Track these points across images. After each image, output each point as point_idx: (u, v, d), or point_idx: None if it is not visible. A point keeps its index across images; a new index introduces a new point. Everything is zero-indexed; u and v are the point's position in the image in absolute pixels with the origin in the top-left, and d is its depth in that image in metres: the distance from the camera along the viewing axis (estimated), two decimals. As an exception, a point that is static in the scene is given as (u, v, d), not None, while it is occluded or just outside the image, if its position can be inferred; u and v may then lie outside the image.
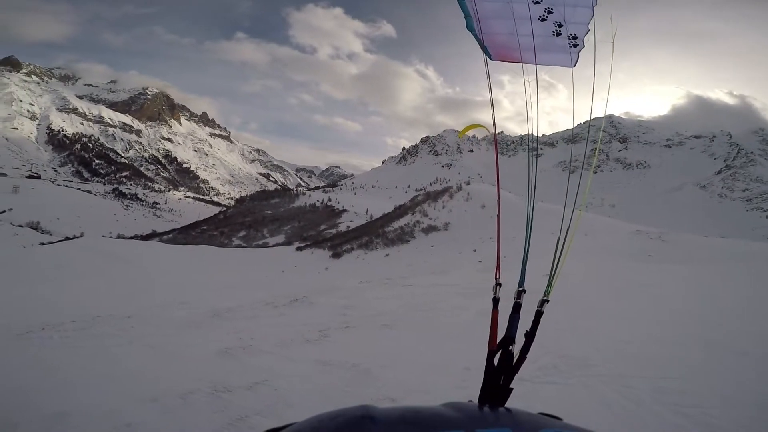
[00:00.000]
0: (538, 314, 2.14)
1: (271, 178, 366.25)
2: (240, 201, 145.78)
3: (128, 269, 22.95)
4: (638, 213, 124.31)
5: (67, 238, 42.05)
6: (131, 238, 67.11)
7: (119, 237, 66.81)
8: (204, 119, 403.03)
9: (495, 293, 2.10)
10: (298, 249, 56.73)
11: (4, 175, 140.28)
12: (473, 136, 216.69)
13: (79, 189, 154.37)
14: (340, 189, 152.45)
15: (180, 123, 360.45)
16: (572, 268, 16.10)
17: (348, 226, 78.45)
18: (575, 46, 3.19)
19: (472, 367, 5.00)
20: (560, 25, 3.06)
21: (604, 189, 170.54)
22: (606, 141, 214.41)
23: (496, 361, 1.71)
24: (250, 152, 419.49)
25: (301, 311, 9.17)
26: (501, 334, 1.95)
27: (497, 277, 2.24)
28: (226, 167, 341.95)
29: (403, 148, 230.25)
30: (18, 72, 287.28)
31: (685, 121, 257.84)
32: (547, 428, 0.67)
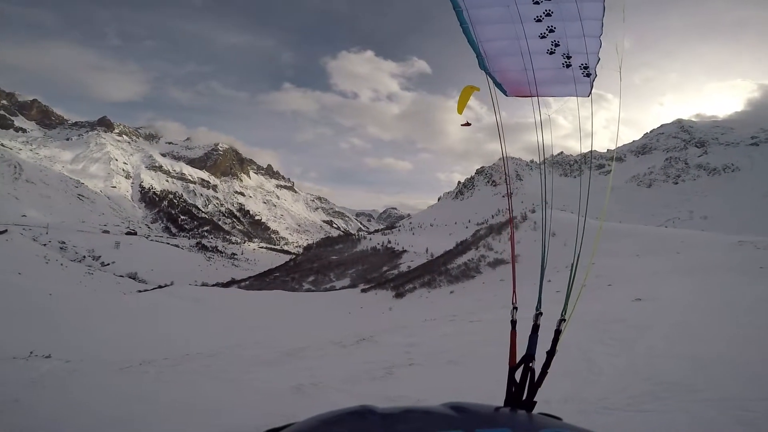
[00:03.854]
0: (557, 333, 2.08)
1: (333, 225, 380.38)
2: (307, 248, 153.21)
3: (211, 313, 24.83)
4: (736, 222, 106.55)
5: (160, 287, 47.06)
6: (213, 285, 73.80)
7: (203, 284, 73.78)
8: (270, 171, 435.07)
9: (513, 316, 2.10)
10: (363, 291, 57.37)
11: (108, 232, 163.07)
12: (531, 161, 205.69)
13: (168, 244, 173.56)
14: (398, 230, 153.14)
15: (249, 176, 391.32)
16: (663, 291, 14.27)
17: (409, 266, 78.12)
18: (588, 75, 3.17)
19: (551, 399, 4.73)
20: (569, 57, 3.07)
21: (690, 201, 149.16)
22: (680, 148, 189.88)
23: (518, 377, 1.71)
24: (313, 200, 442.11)
25: (367, 350, 9.22)
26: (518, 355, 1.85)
27: (514, 301, 2.30)
28: (292, 217, 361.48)
29: (459, 182, 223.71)
30: (111, 132, 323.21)
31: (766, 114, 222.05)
32: (546, 428, 0.67)
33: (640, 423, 3.72)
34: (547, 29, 3.00)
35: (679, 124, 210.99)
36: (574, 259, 2.28)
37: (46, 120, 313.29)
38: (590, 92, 3.34)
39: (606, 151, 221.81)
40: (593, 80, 3.25)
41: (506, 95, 3.45)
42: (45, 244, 78.79)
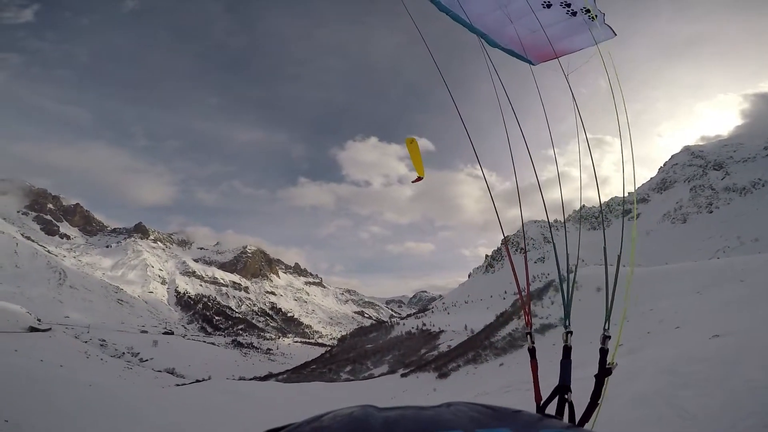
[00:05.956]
0: (602, 352, 1.75)
1: (365, 315, 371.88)
2: (341, 339, 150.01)
3: (249, 404, 23.66)
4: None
5: (198, 381, 46.02)
6: (251, 379, 73.25)
7: (240, 378, 73.00)
8: (297, 270, 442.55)
9: (530, 342, 1.77)
10: (403, 375, 53.96)
11: (146, 332, 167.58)
12: (556, 220, 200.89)
13: (204, 342, 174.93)
14: (432, 312, 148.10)
15: (278, 276, 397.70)
16: (740, 323, 12.91)
17: (449, 346, 73.94)
18: (594, 18, 3.01)
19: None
20: (568, 4, 2.99)
21: (732, 226, 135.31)
22: (700, 175, 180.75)
23: (553, 412, 1.45)
24: (342, 294, 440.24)
25: None
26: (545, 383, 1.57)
27: (529, 324, 1.89)
28: (324, 311, 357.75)
29: (486, 256, 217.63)
30: (147, 239, 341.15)
31: (766, 123, 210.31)
32: (547, 428, 0.66)
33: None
34: None
35: (689, 151, 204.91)
36: (607, 268, 1.97)
37: (88, 226, 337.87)
38: (613, 32, 3.24)
39: (627, 194, 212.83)
40: (604, 19, 3.14)
41: (533, 64, 3.36)
42: (86, 341, 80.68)
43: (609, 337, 1.84)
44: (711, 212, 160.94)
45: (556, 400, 1.64)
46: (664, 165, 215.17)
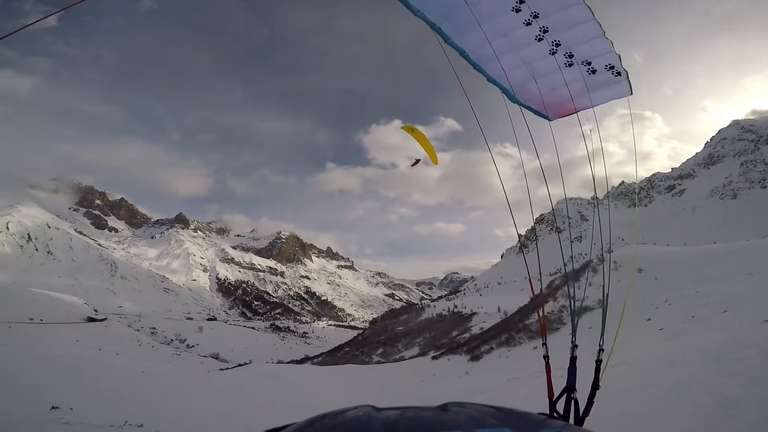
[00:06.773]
0: (597, 363, 2.11)
1: (395, 297, 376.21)
2: (373, 322, 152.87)
3: (288, 388, 24.68)
4: None
5: (240, 365, 48.76)
6: (288, 362, 77.59)
7: (279, 362, 76.83)
8: (329, 253, 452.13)
9: (545, 351, 2.25)
10: (434, 358, 54.19)
11: (191, 318, 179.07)
12: (593, 198, 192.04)
13: (245, 327, 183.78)
14: (464, 294, 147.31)
15: (312, 260, 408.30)
16: None
17: (482, 328, 73.50)
18: (619, 74, 3.04)
19: None
20: (588, 63, 3.00)
21: None
22: (751, 150, 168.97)
23: (561, 409, 1.85)
24: (373, 276, 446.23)
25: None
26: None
27: (544, 336, 2.36)
28: (356, 294, 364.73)
29: (520, 236, 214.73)
30: (188, 228, 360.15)
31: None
32: (547, 428, 0.67)
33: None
34: (552, 44, 2.95)
35: (738, 125, 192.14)
36: (605, 286, 2.32)
37: (133, 219, 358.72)
38: (630, 90, 3.15)
39: (671, 170, 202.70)
40: (626, 77, 3.10)
41: (550, 120, 3.35)
42: (138, 330, 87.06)
43: (603, 350, 2.20)
44: (765, 187, 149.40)
45: (564, 398, 1.98)
46: (711, 140, 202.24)
